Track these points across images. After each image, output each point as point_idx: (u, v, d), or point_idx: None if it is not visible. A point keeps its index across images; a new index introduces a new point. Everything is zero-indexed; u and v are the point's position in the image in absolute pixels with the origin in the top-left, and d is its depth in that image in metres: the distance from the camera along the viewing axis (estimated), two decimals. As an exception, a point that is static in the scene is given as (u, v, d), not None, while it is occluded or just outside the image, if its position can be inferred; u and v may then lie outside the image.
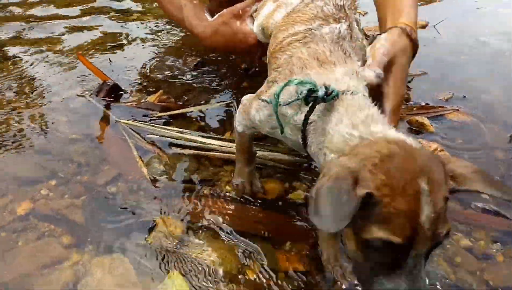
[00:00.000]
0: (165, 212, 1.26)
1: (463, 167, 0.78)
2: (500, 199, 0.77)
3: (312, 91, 0.89)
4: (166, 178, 1.39)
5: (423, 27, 2.66)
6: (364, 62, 1.08)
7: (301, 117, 0.95)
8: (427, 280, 0.74)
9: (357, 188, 0.70)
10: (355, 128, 0.84)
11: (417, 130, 1.65)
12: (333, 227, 0.70)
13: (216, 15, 1.58)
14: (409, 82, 1.91)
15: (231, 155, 1.41)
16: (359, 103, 0.90)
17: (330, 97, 0.89)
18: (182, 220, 1.24)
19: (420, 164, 0.72)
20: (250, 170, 1.32)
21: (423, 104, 1.81)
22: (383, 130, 0.82)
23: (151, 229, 1.20)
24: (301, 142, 0.99)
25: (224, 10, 1.56)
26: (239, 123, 1.21)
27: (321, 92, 0.88)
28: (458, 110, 1.77)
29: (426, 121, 1.66)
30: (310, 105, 0.91)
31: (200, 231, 1.20)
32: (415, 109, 1.75)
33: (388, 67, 1.09)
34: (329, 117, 0.90)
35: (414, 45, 1.16)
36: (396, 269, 0.72)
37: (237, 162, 1.33)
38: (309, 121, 0.94)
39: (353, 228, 0.75)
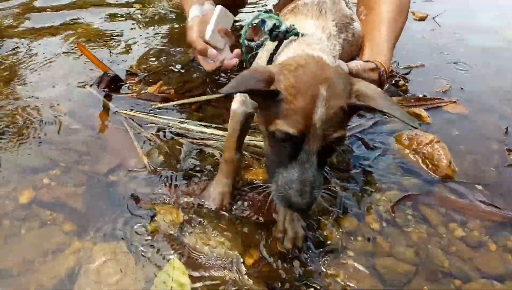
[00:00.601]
0: (165, 201, 1.28)
1: (367, 88, 0.88)
2: (394, 118, 0.85)
3: (276, 26, 1.03)
4: (166, 167, 1.40)
5: (422, 19, 2.66)
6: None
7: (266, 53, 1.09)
8: (319, 180, 0.87)
9: (272, 86, 0.85)
10: (295, 52, 0.97)
11: (414, 121, 1.67)
12: (226, 90, 0.82)
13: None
14: (407, 74, 1.93)
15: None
16: (312, 41, 1.03)
17: (290, 33, 1.02)
18: (182, 208, 1.26)
19: (325, 75, 0.84)
20: (231, 181, 1.27)
21: (421, 96, 1.82)
22: (314, 51, 0.95)
23: (151, 217, 1.23)
24: None
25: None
26: (235, 98, 1.23)
27: (283, 27, 1.02)
28: (455, 102, 1.79)
29: (423, 113, 1.68)
30: (277, 41, 1.04)
31: (200, 219, 1.22)
32: (412, 101, 1.77)
33: None
34: (284, 49, 1.04)
35: (380, 85, 1.23)
36: (292, 162, 0.85)
37: (221, 168, 1.29)
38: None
39: (265, 126, 0.90)
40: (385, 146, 1.54)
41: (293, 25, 1.04)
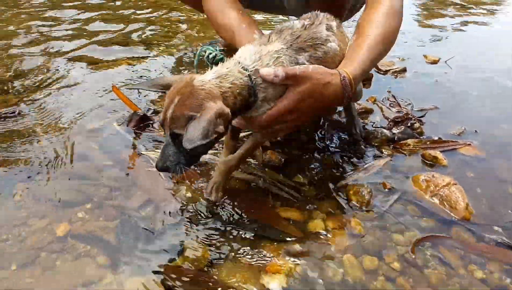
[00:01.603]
0: (192, 237, 1.34)
1: (207, 111, 1.16)
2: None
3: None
4: (194, 204, 1.47)
5: (435, 62, 2.77)
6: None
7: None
8: (176, 157, 1.22)
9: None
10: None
11: (430, 163, 1.73)
12: (136, 86, 1.49)
13: None
14: (422, 116, 2.00)
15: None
16: (225, 66, 1.31)
17: (216, 60, 1.52)
18: (209, 245, 1.32)
19: (183, 91, 1.20)
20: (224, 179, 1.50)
21: (436, 138, 1.88)
22: (202, 77, 1.27)
23: (180, 253, 1.28)
24: None
25: None
26: None
27: (211, 56, 1.59)
28: (469, 144, 1.84)
29: (439, 155, 1.74)
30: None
31: (226, 256, 1.28)
32: (428, 143, 1.83)
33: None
34: None
35: (343, 90, 1.37)
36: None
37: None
38: None
39: None
40: (403, 188, 1.59)
41: (221, 54, 1.59)
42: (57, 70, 2.49)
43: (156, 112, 1.99)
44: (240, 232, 1.37)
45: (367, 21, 1.57)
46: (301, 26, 1.49)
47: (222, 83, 1.25)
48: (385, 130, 1.88)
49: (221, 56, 1.43)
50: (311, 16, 1.57)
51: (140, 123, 1.87)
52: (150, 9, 3.75)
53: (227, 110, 1.20)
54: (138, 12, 3.68)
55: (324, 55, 1.49)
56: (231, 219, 1.42)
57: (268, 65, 1.34)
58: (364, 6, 1.75)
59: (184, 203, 1.48)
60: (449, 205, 1.49)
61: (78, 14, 3.57)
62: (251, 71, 1.32)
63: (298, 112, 1.36)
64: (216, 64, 1.35)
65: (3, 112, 2.00)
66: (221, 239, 1.34)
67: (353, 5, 2.08)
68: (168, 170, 1.24)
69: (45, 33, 3.11)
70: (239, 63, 1.32)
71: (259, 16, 3.52)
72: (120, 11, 3.69)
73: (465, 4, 4.21)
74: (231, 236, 1.35)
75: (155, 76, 2.41)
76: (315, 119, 1.93)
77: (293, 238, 1.35)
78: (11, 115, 1.97)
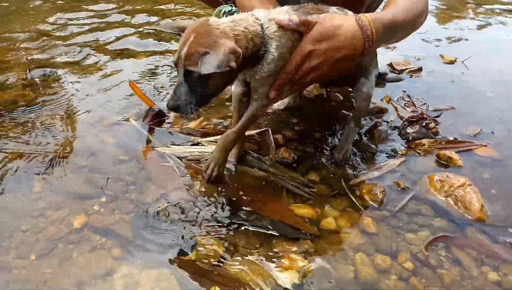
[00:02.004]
0: (206, 232, 1.36)
1: (219, 48, 1.20)
2: None
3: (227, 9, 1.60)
4: (207, 199, 1.49)
5: (451, 62, 2.73)
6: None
7: None
8: (188, 97, 1.26)
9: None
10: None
11: (445, 164, 1.71)
12: (158, 28, 1.59)
13: None
14: (438, 116, 1.98)
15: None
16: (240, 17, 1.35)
17: (230, 12, 1.55)
18: (222, 239, 1.33)
19: (198, 30, 1.24)
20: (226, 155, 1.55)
21: (451, 138, 1.87)
22: (217, 19, 1.31)
23: (193, 247, 1.30)
24: None
25: None
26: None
27: (227, 10, 1.58)
28: (485, 145, 1.82)
29: (454, 156, 1.72)
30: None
31: (240, 250, 1.29)
32: (443, 143, 1.81)
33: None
34: None
35: (361, 29, 1.34)
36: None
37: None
38: None
39: None
40: (417, 187, 1.58)
41: (236, 9, 1.57)
42: (75, 63, 2.53)
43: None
44: (254, 228, 1.38)
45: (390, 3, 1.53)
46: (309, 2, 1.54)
47: (236, 26, 1.29)
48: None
49: (237, 10, 1.49)
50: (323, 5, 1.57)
51: (156, 118, 1.90)
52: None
53: (239, 49, 1.24)
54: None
55: None
56: (245, 214, 1.44)
57: None
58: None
59: (198, 198, 1.49)
60: (464, 205, 1.48)
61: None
62: (263, 21, 1.36)
63: (315, 57, 1.33)
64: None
65: (21, 104, 2.05)
66: (235, 235, 1.35)
67: (369, 5, 2.06)
68: (178, 109, 1.27)
69: (66, 24, 3.16)
70: (252, 15, 1.37)
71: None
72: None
73: (484, 3, 4.13)
74: (244, 232, 1.36)
75: (169, 72, 2.45)
76: (342, 73, 1.74)
77: (307, 236, 1.35)
78: (28, 108, 2.02)
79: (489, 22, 3.64)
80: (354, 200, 1.51)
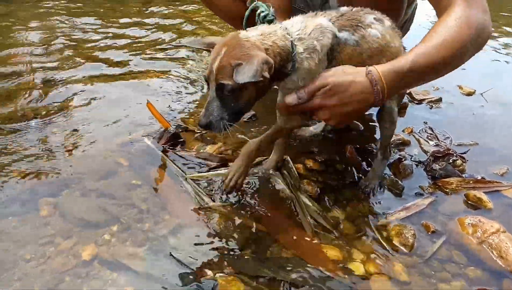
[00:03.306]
0: (226, 271, 1.26)
1: (253, 60, 1.18)
2: None
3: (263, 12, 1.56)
4: (228, 233, 1.39)
5: (470, 94, 2.68)
6: None
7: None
8: (220, 113, 1.24)
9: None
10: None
11: (474, 205, 1.63)
12: (183, 42, 1.71)
13: None
14: (465, 152, 1.90)
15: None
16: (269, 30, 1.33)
17: (266, 19, 1.52)
18: (243, 281, 1.23)
19: (229, 43, 1.24)
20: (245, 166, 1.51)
21: (479, 177, 1.79)
22: (247, 33, 1.30)
23: (213, 289, 1.20)
24: None
25: None
26: None
27: (262, 14, 1.55)
28: (514, 186, 1.74)
29: (484, 197, 1.64)
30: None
31: (263, 296, 1.19)
32: (471, 182, 1.73)
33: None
34: None
35: (371, 83, 1.31)
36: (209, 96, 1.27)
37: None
38: None
39: None
40: (447, 231, 1.50)
41: (272, 16, 1.52)
42: (84, 79, 2.44)
43: (187, 130, 1.92)
44: (277, 268, 1.28)
45: (429, 32, 1.41)
46: (348, 9, 1.49)
47: (264, 40, 1.27)
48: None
49: (272, 17, 1.44)
50: (364, 8, 1.51)
51: (171, 140, 1.80)
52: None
53: (272, 60, 1.23)
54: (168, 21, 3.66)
55: (361, 39, 1.42)
56: (268, 251, 1.34)
57: (311, 36, 1.35)
58: None
59: (217, 232, 1.40)
60: (499, 255, 1.39)
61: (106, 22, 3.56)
62: (294, 38, 1.33)
63: (323, 110, 1.36)
64: (267, 23, 1.41)
65: (30, 122, 1.95)
66: (257, 275, 1.25)
67: (403, 24, 2.00)
68: (211, 126, 1.24)
69: (74, 39, 3.09)
70: (285, 28, 1.34)
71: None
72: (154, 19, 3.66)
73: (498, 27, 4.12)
74: (267, 272, 1.26)
75: (182, 89, 2.37)
76: (350, 122, 1.86)
77: (335, 283, 1.25)
78: (35, 125, 1.92)
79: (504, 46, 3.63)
80: (386, 245, 1.41)
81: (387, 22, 1.52)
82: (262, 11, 1.51)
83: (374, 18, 1.48)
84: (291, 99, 1.35)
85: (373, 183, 1.65)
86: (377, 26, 1.46)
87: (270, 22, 1.41)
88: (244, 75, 1.15)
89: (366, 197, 1.64)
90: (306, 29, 1.35)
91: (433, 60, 1.35)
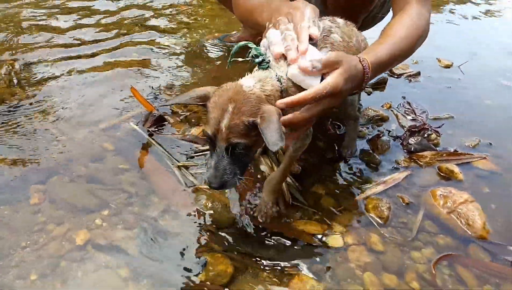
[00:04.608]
0: (214, 249, 1.34)
1: (269, 112, 1.14)
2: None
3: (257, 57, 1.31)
4: (214, 213, 1.47)
5: (448, 67, 2.75)
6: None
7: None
8: (232, 169, 1.18)
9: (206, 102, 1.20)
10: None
11: (446, 177, 1.73)
12: (171, 102, 1.49)
13: None
14: (439, 127, 1.99)
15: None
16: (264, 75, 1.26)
17: (262, 67, 1.29)
18: (231, 259, 1.31)
19: (235, 98, 1.15)
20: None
21: (452, 150, 1.88)
22: (244, 80, 1.23)
23: (203, 266, 1.28)
24: None
25: None
26: None
27: (257, 60, 1.29)
28: (485, 158, 1.85)
29: (455, 169, 1.74)
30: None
31: (249, 271, 1.28)
32: (444, 155, 1.83)
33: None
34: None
35: (364, 71, 1.32)
36: (213, 153, 1.19)
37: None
38: None
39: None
40: (420, 202, 1.60)
41: (266, 63, 1.29)
42: (68, 65, 2.41)
43: (173, 112, 1.96)
44: (263, 246, 1.37)
45: (391, 25, 1.55)
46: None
47: (264, 86, 1.22)
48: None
49: (267, 65, 1.28)
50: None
51: (156, 123, 1.84)
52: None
53: (279, 109, 1.18)
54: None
55: (331, 48, 1.44)
56: (253, 231, 1.42)
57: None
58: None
59: (205, 212, 1.47)
60: (466, 223, 1.50)
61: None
62: (280, 76, 1.26)
63: (339, 96, 1.27)
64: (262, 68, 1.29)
65: (13, 105, 1.95)
66: (244, 253, 1.34)
67: (375, 15, 2.04)
68: (226, 187, 1.21)
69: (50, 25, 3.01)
70: (274, 70, 1.27)
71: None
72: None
73: None
74: (253, 250, 1.35)
75: (165, 73, 2.37)
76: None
77: (315, 256, 1.35)
78: (17, 109, 1.92)
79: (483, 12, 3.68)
80: (360, 216, 1.51)
81: (337, 19, 1.55)
82: (256, 56, 1.30)
83: (329, 20, 1.50)
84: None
85: (351, 147, 1.79)
86: (334, 28, 1.48)
87: (265, 69, 1.27)
88: (276, 140, 1.07)
89: (348, 172, 1.72)
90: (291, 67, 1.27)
91: (400, 51, 1.47)
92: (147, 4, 3.39)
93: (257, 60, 1.26)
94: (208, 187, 1.48)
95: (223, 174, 1.17)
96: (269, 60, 1.27)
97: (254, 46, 1.28)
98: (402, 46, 1.47)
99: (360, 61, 1.32)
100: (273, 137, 1.08)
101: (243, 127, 1.13)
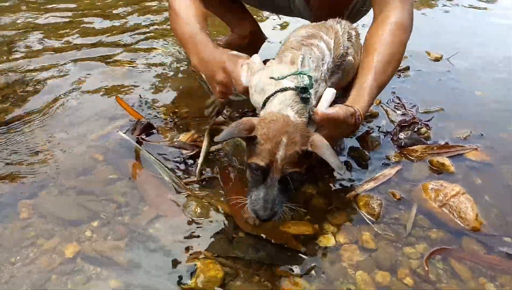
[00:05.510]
0: (205, 256, 1.33)
1: (319, 140, 1.25)
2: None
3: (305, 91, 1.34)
4: (205, 219, 1.46)
5: (437, 60, 2.74)
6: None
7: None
8: (282, 199, 1.24)
9: (253, 132, 1.26)
10: (273, 108, 1.33)
11: (438, 170, 1.72)
12: (220, 137, 1.26)
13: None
14: (429, 120, 1.98)
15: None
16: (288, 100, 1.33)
17: (303, 96, 1.33)
18: (221, 264, 1.30)
19: (287, 129, 1.23)
20: None
21: (443, 143, 1.88)
22: (285, 111, 1.30)
23: (192, 273, 1.27)
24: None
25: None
26: None
27: (304, 95, 1.33)
28: (476, 149, 1.84)
29: (446, 162, 1.73)
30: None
31: (240, 276, 1.27)
32: (435, 148, 1.82)
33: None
34: (270, 101, 1.36)
35: (355, 127, 1.43)
36: (261, 185, 1.23)
37: None
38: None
39: (247, 158, 1.29)
40: (411, 197, 1.59)
41: (309, 94, 1.34)
42: (57, 74, 2.41)
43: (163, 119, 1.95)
44: (253, 249, 1.36)
45: (375, 38, 1.58)
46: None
47: (302, 112, 1.33)
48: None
49: (309, 101, 1.36)
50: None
51: (145, 131, 1.83)
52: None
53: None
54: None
55: (343, 72, 1.60)
56: (238, 232, 1.41)
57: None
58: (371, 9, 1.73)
59: (194, 219, 1.46)
60: (459, 215, 1.49)
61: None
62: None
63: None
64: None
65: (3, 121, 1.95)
66: (235, 257, 1.33)
67: (359, 9, 2.04)
68: (276, 217, 1.24)
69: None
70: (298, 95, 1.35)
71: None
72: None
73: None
74: (243, 255, 1.34)
75: (152, 78, 2.37)
76: None
77: (307, 257, 1.34)
78: (9, 125, 1.92)
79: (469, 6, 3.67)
80: (352, 214, 1.50)
81: (353, 32, 1.69)
82: (305, 89, 1.33)
83: (348, 39, 1.61)
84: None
85: (338, 143, 1.83)
86: (350, 50, 1.59)
87: (305, 99, 1.34)
88: (341, 165, 1.22)
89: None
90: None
91: (387, 76, 1.58)
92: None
93: (303, 95, 1.32)
94: (254, 215, 1.30)
95: (273, 205, 1.21)
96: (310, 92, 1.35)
97: (307, 74, 1.35)
98: (389, 71, 1.57)
99: (355, 118, 1.39)
100: (336, 160, 1.20)
101: (297, 156, 1.22)
